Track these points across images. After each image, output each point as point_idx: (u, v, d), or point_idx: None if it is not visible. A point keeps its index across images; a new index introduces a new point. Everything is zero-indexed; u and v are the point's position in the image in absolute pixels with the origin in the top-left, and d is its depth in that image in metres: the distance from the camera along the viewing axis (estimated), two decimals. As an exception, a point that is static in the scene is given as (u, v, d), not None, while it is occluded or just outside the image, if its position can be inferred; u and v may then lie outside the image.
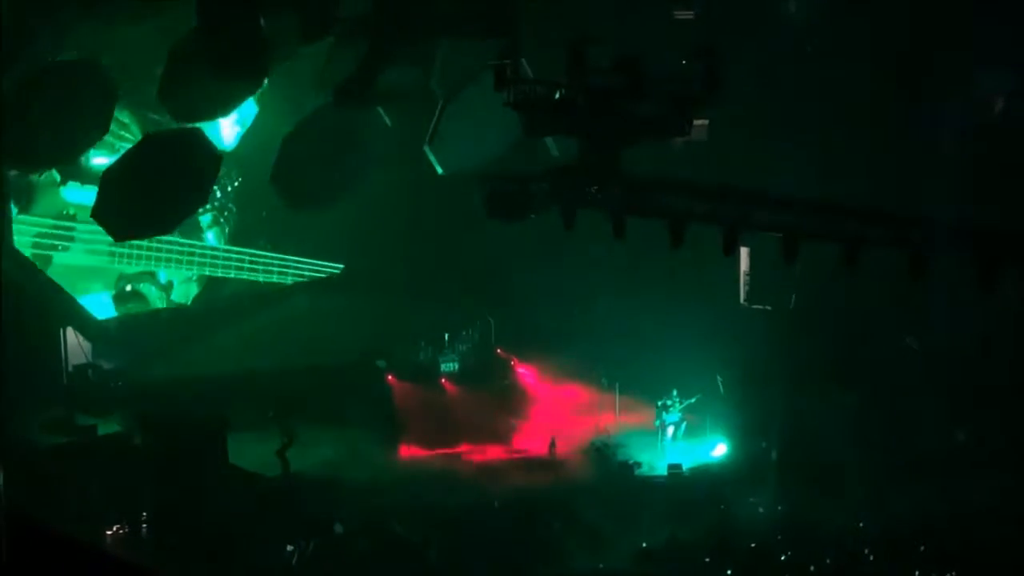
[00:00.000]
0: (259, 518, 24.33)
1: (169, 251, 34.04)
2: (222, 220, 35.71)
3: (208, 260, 34.76)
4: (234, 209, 35.55)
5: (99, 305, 33.38)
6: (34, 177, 31.89)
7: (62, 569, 6.91)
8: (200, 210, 34.08)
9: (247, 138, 35.18)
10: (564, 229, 22.26)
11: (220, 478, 25.47)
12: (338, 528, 24.15)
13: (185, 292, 35.88)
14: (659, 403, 28.95)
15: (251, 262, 34.96)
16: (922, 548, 23.04)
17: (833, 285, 28.31)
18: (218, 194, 35.10)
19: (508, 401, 31.13)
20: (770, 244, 22.39)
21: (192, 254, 34.52)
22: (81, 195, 32.66)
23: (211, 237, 35.79)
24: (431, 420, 29.79)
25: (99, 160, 32.40)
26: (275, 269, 35.29)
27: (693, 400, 28.89)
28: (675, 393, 28.92)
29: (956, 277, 23.02)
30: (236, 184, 35.14)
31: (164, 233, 31.80)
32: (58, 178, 32.49)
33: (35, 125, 28.03)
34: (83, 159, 32.28)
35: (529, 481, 27.66)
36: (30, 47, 27.86)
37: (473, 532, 24.41)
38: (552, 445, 29.03)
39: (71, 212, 33.10)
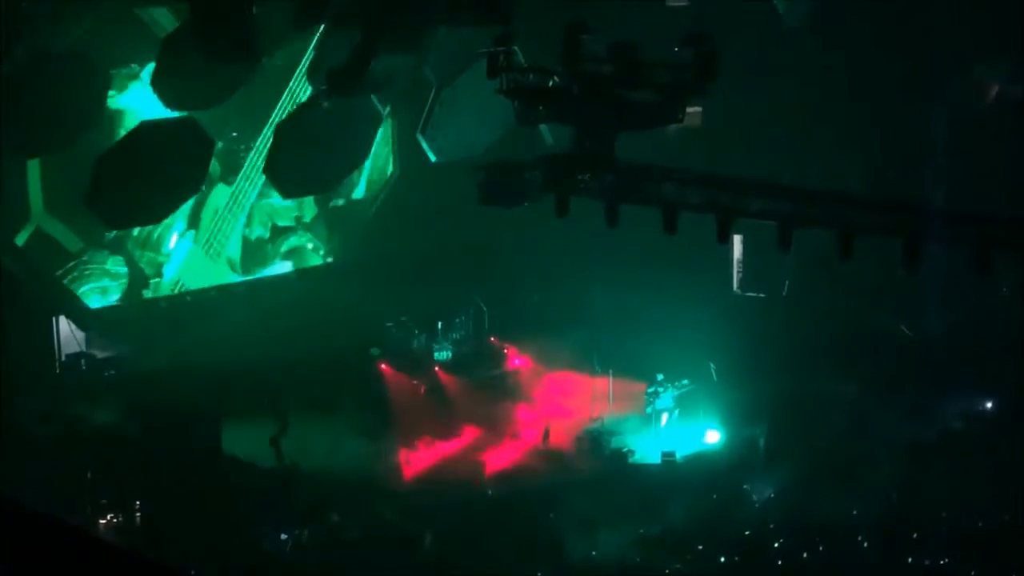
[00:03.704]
0: (253, 507, 24.34)
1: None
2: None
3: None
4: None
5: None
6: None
7: (57, 556, 6.88)
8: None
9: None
10: (557, 217, 22.24)
11: (214, 467, 25.46)
12: (332, 517, 24.17)
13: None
14: (649, 390, 28.92)
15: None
16: (915, 535, 23.10)
17: (827, 273, 28.35)
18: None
19: (501, 389, 31.10)
20: (764, 232, 22.36)
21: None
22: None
23: None
24: (424, 408, 29.78)
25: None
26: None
27: (685, 383, 28.79)
28: (661, 378, 28.83)
29: (951, 264, 23.06)
30: None
31: (156, 222, 31.67)
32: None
33: (29, 112, 27.92)
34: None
35: (522, 469, 27.68)
36: (23, 36, 27.77)
37: (466, 520, 24.44)
38: (546, 433, 29.02)
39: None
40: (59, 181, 29.96)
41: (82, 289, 31.22)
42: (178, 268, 33.07)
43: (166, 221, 32.11)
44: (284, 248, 35.29)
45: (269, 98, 32.49)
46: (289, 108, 32.60)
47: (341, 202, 35.38)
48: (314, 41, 31.64)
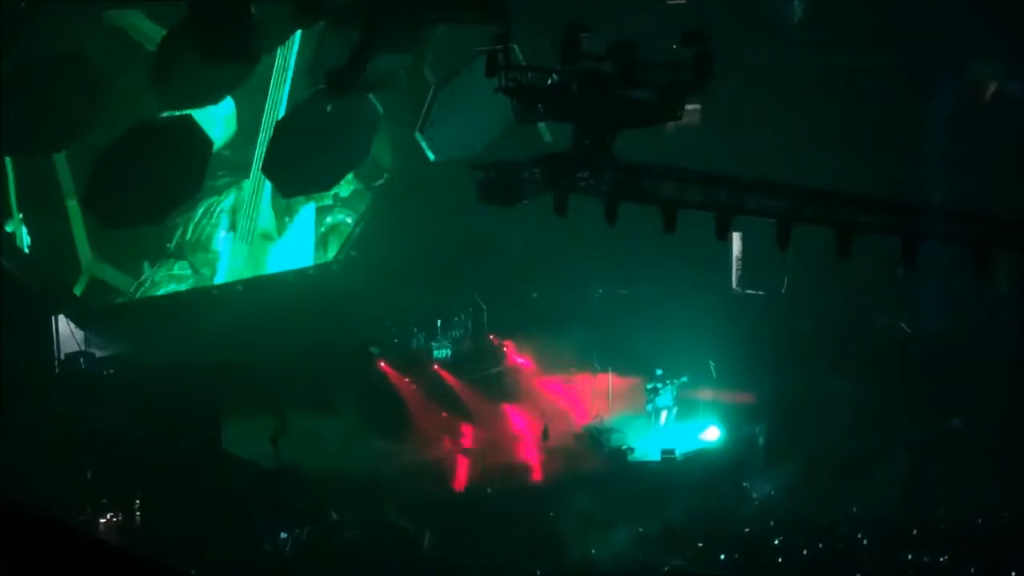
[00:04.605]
0: (253, 505, 24.34)
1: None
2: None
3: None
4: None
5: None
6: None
7: (57, 556, 6.89)
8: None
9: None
10: (556, 215, 22.24)
11: (214, 466, 25.46)
12: (332, 516, 24.17)
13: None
14: (648, 386, 28.90)
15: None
16: (915, 532, 23.11)
17: (826, 270, 28.36)
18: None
19: (500, 387, 31.12)
20: (762, 229, 22.37)
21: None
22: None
23: None
24: (424, 407, 29.79)
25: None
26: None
27: (684, 380, 28.76)
28: (660, 372, 28.79)
29: (949, 263, 23.06)
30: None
31: (156, 223, 31.66)
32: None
33: (28, 112, 27.90)
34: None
35: (522, 467, 27.69)
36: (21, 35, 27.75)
37: (466, 519, 24.44)
38: (545, 431, 29.02)
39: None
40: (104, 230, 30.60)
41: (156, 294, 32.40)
42: (228, 263, 33.53)
43: (212, 220, 32.61)
44: (323, 228, 35.57)
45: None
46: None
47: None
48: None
